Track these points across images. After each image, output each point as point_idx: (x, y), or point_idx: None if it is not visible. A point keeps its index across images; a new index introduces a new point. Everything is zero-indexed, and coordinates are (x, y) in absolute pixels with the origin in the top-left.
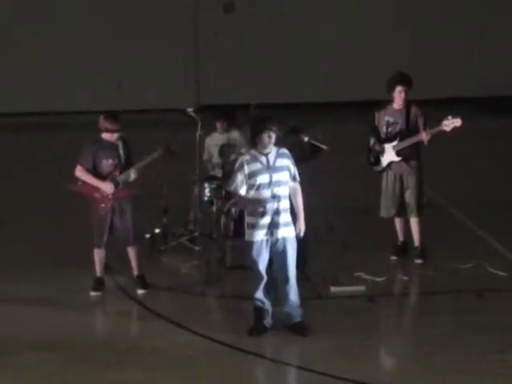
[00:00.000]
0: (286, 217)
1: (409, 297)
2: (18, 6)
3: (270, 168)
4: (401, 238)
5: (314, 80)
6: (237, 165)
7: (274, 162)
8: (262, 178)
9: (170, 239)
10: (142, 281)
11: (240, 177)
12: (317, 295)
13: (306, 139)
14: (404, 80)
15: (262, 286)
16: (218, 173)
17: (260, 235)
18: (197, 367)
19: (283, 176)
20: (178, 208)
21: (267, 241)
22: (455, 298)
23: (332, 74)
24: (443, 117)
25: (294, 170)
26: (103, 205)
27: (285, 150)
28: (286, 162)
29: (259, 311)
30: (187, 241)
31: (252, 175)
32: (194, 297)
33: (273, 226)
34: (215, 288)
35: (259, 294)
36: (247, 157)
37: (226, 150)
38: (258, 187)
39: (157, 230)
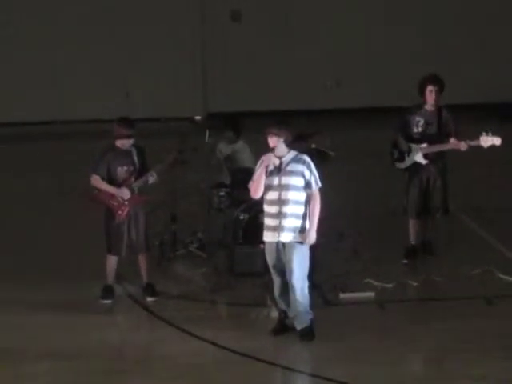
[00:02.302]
0: (293, 222)
1: (418, 303)
2: (25, 16)
3: (280, 171)
4: (413, 241)
5: (322, 86)
6: (258, 163)
7: (287, 165)
8: (271, 180)
9: (179, 247)
10: (151, 289)
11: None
12: (325, 302)
13: (313, 146)
14: (434, 80)
15: (276, 287)
16: (227, 180)
17: (268, 236)
18: (207, 375)
19: (294, 181)
20: (186, 215)
21: (277, 243)
22: (465, 303)
23: (340, 80)
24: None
25: (310, 176)
26: (120, 212)
27: (304, 157)
28: (301, 167)
29: (280, 312)
30: (196, 248)
31: (267, 175)
32: (203, 304)
33: (279, 229)
34: (225, 295)
35: (275, 296)
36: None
37: (232, 158)
38: (267, 188)
39: (166, 238)
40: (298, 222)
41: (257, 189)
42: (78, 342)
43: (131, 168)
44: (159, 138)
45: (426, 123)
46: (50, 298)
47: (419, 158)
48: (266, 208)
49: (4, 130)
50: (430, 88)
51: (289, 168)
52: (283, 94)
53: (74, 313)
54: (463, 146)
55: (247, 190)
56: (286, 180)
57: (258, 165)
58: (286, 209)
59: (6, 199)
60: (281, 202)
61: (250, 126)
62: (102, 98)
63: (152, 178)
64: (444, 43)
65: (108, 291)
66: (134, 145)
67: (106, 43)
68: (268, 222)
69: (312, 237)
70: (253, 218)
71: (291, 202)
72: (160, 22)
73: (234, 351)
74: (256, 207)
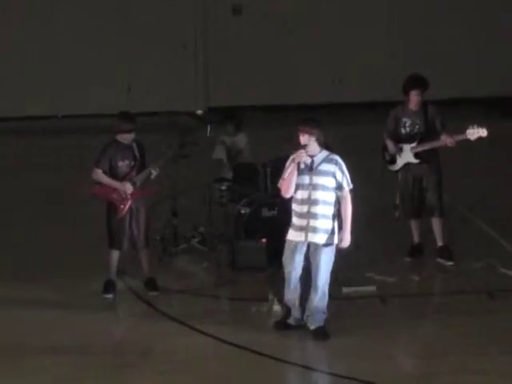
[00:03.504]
0: (324, 223)
1: (420, 297)
2: (29, 15)
3: (311, 170)
4: (416, 239)
5: (323, 81)
6: (288, 161)
7: (319, 165)
8: (302, 179)
9: (181, 241)
10: (152, 283)
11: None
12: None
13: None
14: (418, 84)
15: (290, 286)
16: (228, 174)
17: (293, 236)
18: (210, 369)
19: (326, 181)
20: (188, 210)
21: (302, 243)
22: (466, 298)
23: (342, 75)
24: (456, 117)
25: (341, 177)
26: (122, 206)
27: (336, 157)
28: (333, 168)
29: (287, 309)
30: (197, 243)
31: (298, 174)
32: (205, 299)
33: (308, 230)
34: (226, 290)
35: (287, 294)
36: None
37: (233, 152)
38: (297, 187)
39: (167, 232)
40: (329, 223)
41: (288, 187)
42: (79, 336)
43: (132, 162)
44: (160, 132)
45: (413, 123)
46: (51, 292)
47: (410, 157)
48: (295, 207)
49: (3, 125)
50: (414, 92)
51: (320, 168)
52: (285, 88)
53: (76, 307)
54: (450, 141)
55: (248, 185)
56: (317, 180)
57: (288, 162)
58: (316, 209)
59: (5, 197)
60: (311, 201)
61: (252, 120)
62: (104, 93)
63: (154, 172)
64: (445, 37)
65: (110, 286)
66: (134, 139)
67: (107, 37)
68: (295, 221)
69: (347, 239)
70: (254, 212)
71: (321, 202)
72: (161, 15)
73: (235, 345)
74: (257, 201)
